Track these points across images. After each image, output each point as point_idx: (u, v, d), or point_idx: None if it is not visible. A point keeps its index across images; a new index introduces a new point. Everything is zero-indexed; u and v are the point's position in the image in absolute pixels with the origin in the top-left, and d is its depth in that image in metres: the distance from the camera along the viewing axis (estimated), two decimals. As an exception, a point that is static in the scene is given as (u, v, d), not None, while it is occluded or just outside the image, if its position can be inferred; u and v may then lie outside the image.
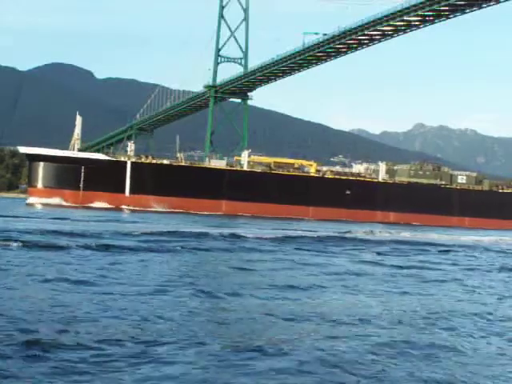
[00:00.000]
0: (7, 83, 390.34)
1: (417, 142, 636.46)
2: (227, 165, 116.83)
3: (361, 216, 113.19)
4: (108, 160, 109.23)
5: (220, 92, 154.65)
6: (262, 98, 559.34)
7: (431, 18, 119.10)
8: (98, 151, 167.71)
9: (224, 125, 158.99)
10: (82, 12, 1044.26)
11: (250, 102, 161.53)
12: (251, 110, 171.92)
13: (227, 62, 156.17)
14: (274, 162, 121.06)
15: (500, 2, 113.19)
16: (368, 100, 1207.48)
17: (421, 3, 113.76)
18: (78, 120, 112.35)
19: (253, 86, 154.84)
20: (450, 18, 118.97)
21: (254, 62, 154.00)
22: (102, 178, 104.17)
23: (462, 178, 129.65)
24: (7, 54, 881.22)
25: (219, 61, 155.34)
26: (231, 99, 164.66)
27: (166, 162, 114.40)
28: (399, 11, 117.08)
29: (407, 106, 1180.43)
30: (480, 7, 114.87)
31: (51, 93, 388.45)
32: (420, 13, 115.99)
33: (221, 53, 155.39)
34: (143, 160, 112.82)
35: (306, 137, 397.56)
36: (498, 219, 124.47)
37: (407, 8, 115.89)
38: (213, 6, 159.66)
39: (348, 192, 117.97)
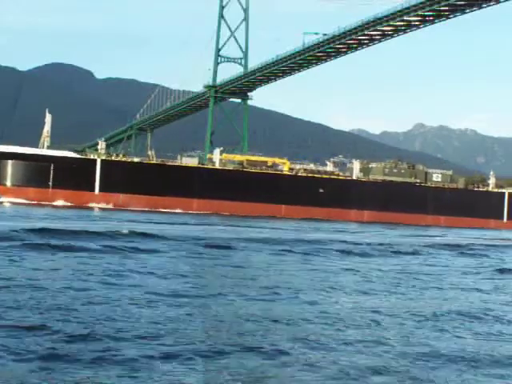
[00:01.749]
0: (7, 83, 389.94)
1: (417, 142, 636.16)
2: (199, 163, 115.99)
3: (334, 214, 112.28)
4: (78, 158, 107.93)
5: (220, 92, 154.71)
6: (262, 98, 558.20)
7: (431, 18, 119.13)
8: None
9: (224, 125, 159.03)
10: (82, 12, 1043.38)
11: (250, 102, 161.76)
12: (251, 110, 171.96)
13: (227, 61, 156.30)
14: (247, 160, 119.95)
15: (500, 2, 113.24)
16: (368, 100, 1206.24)
17: (421, 3, 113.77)
18: (48, 118, 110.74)
19: (253, 86, 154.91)
20: (449, 18, 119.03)
21: (254, 62, 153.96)
22: (72, 175, 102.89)
23: (437, 176, 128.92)
24: (7, 54, 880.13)
25: (219, 61, 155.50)
26: (231, 99, 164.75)
27: (136, 159, 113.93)
28: (399, 11, 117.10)
29: (407, 106, 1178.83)
30: (480, 7, 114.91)
31: (51, 93, 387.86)
32: (420, 13, 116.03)
33: (221, 53, 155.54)
34: (113, 158, 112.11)
35: (306, 137, 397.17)
36: (473, 218, 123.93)
37: (407, 8, 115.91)
38: (213, 5, 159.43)
39: (321, 190, 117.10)
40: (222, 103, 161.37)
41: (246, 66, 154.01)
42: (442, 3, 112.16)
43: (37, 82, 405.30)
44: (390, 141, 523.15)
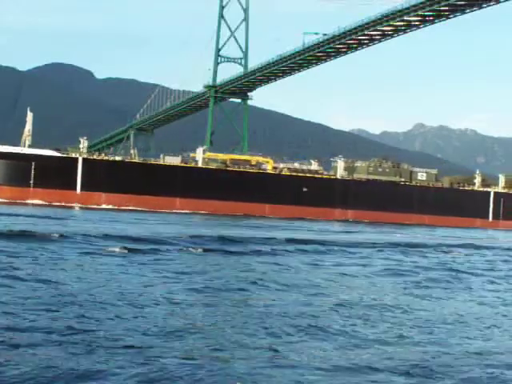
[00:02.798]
0: (7, 83, 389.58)
1: (417, 142, 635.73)
2: (182, 161, 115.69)
3: (318, 214, 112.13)
4: (59, 156, 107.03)
5: (220, 92, 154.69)
6: (262, 98, 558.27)
7: (431, 18, 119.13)
8: (97, 151, 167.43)
9: (224, 125, 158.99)
10: (82, 12, 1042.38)
11: (250, 102, 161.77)
12: (251, 110, 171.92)
13: (227, 61, 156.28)
14: (230, 159, 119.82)
15: (500, 2, 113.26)
16: (368, 100, 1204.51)
17: (421, 3, 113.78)
18: (29, 116, 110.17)
19: (253, 86, 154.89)
20: (449, 18, 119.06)
21: (254, 62, 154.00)
22: (53, 174, 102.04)
23: (421, 175, 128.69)
24: (7, 54, 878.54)
25: (219, 61, 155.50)
26: (231, 99, 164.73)
27: (118, 158, 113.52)
28: (399, 11, 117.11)
29: (407, 106, 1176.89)
30: (480, 7, 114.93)
31: (51, 93, 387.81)
32: (420, 13, 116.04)
33: (221, 53, 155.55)
34: (95, 156, 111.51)
35: (306, 137, 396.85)
36: (458, 217, 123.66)
37: (407, 8, 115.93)
38: (213, 5, 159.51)
39: (305, 189, 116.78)
40: (222, 103, 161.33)
41: (246, 66, 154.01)
42: (442, 3, 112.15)
43: (37, 82, 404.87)
44: (390, 141, 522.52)
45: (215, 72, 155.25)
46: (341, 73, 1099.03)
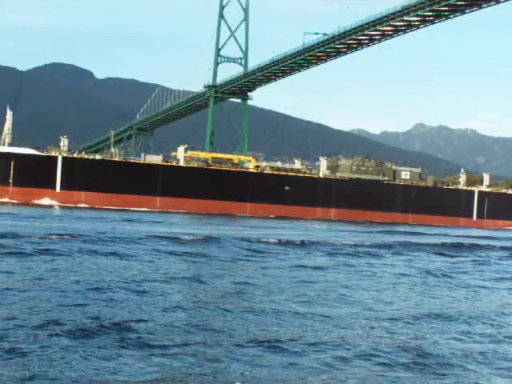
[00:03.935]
0: (7, 83, 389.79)
1: (417, 142, 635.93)
2: (163, 160, 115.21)
3: (300, 212, 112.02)
4: (38, 155, 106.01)
5: (220, 92, 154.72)
6: (262, 98, 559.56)
7: (431, 18, 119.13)
8: (97, 151, 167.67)
9: (224, 125, 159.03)
10: (82, 12, 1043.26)
11: (249, 102, 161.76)
12: (251, 110, 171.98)
13: (227, 61, 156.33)
14: (212, 158, 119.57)
15: (500, 2, 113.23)
16: (368, 100, 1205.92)
17: (421, 3, 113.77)
18: (9, 115, 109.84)
19: (253, 86, 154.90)
20: (450, 18, 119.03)
21: (253, 62, 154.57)
22: (33, 173, 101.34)
23: (405, 174, 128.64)
24: (7, 54, 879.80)
25: (219, 61, 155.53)
26: (231, 99, 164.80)
27: (98, 157, 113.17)
28: (399, 11, 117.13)
29: (407, 106, 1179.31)
30: (480, 7, 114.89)
31: (51, 93, 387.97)
32: (420, 13, 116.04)
33: (221, 53, 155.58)
34: (75, 155, 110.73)
35: (306, 137, 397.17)
36: (442, 216, 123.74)
37: (407, 8, 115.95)
38: (213, 5, 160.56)
39: (287, 188, 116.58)
40: (222, 103, 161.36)
41: (245, 66, 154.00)
42: (442, 3, 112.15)
43: (37, 82, 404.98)
44: (390, 141, 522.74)
45: (215, 72, 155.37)
46: (341, 73, 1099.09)
